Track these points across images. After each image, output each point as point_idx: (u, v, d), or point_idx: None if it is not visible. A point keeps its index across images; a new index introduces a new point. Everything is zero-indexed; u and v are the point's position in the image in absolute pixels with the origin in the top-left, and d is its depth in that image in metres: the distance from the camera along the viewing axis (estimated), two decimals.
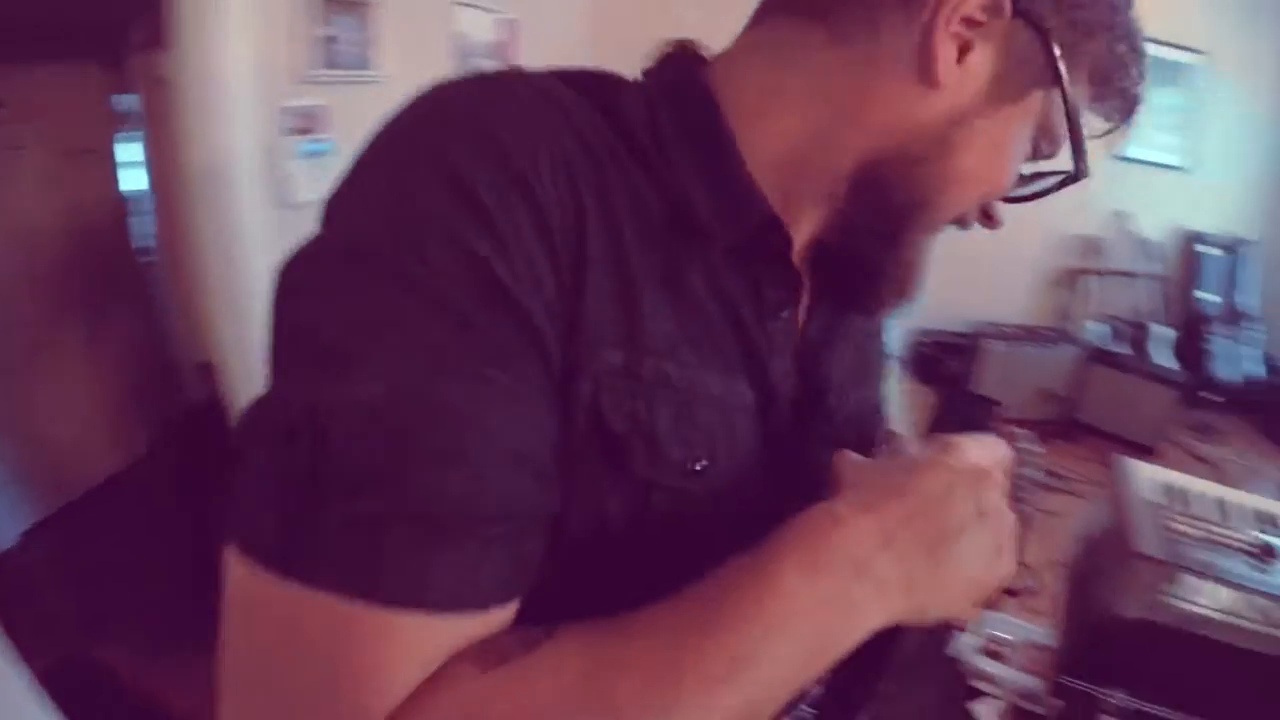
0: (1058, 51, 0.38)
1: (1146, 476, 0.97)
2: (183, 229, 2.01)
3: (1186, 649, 0.76)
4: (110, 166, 3.49)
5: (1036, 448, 1.20)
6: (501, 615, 0.31)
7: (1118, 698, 0.85)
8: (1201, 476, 0.97)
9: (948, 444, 0.40)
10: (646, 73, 0.44)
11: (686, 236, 0.38)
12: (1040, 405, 3.40)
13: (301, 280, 0.31)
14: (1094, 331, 3.56)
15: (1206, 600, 0.75)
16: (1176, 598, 0.75)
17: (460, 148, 0.31)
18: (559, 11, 3.24)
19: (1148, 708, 0.80)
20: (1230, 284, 3.67)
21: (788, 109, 0.41)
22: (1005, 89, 0.39)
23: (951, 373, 3.70)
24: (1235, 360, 3.56)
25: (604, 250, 0.35)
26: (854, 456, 0.41)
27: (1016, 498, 1.40)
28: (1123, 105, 0.43)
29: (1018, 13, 0.38)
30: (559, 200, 0.33)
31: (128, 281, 3.29)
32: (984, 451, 0.40)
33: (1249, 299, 3.68)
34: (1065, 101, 0.39)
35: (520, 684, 0.28)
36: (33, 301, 2.87)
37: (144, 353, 3.21)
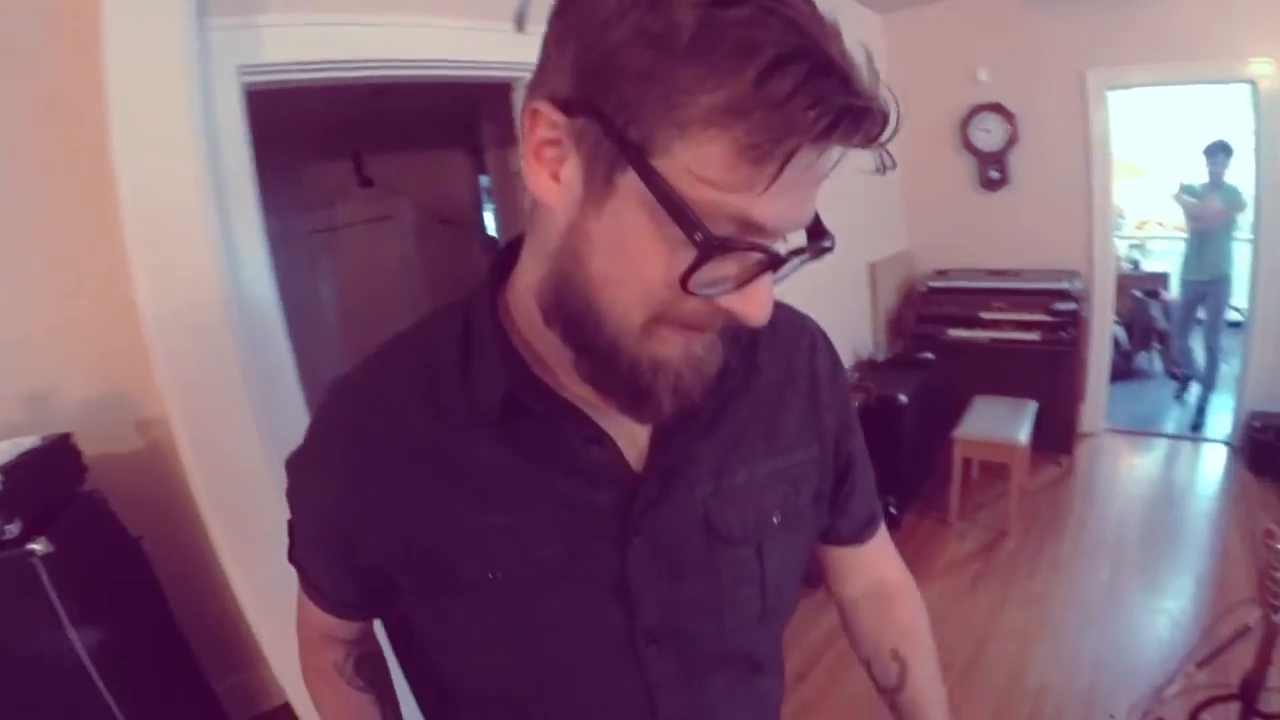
0: (635, 129, 0.36)
1: None
2: None
3: None
4: (473, 233, 4.37)
5: None
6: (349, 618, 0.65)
7: None
8: None
9: None
10: (471, 292, 0.52)
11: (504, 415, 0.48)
12: None
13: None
14: None
15: None
16: None
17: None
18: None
19: None
20: None
21: (532, 278, 0.46)
22: (595, 187, 0.38)
23: None
24: None
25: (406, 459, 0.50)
26: None
27: (1269, 604, 1.16)
28: (814, 118, 0.33)
29: (576, 111, 0.37)
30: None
31: None
32: None
33: None
34: (641, 171, 0.36)
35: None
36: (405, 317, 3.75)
37: None
